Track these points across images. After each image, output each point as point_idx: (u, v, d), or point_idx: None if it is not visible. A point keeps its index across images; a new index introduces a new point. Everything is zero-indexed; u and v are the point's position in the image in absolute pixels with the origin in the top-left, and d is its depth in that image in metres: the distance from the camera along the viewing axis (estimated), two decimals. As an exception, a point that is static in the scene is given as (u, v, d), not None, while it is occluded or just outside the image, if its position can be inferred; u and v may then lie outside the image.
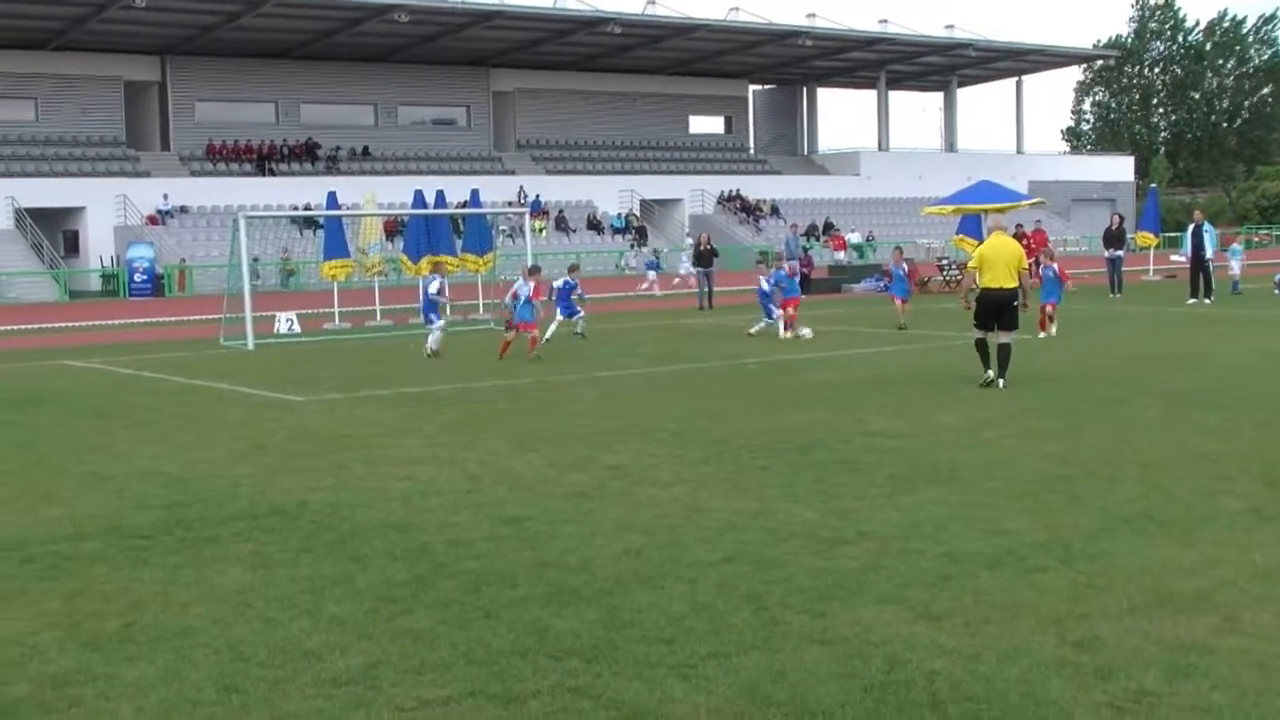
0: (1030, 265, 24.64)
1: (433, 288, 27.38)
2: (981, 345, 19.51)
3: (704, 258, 42.02)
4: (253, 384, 22.34)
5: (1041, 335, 26.61)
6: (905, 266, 31.55)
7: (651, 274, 53.39)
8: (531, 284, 25.31)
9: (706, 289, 41.32)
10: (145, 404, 20.29)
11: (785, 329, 28.49)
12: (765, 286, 29.81)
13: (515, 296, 25.43)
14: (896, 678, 6.92)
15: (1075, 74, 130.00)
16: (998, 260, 19.11)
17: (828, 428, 15.51)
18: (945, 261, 49.45)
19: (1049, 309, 27.50)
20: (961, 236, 48.03)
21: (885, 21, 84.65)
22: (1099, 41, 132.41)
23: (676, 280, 53.04)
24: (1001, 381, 18.79)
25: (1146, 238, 51.78)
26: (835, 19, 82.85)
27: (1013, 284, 19.14)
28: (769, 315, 29.34)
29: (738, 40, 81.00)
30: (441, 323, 26.94)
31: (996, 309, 19.18)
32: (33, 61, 68.98)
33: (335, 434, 16.22)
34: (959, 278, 46.58)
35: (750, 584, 8.75)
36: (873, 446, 14.04)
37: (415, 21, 69.17)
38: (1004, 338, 19.16)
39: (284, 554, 9.97)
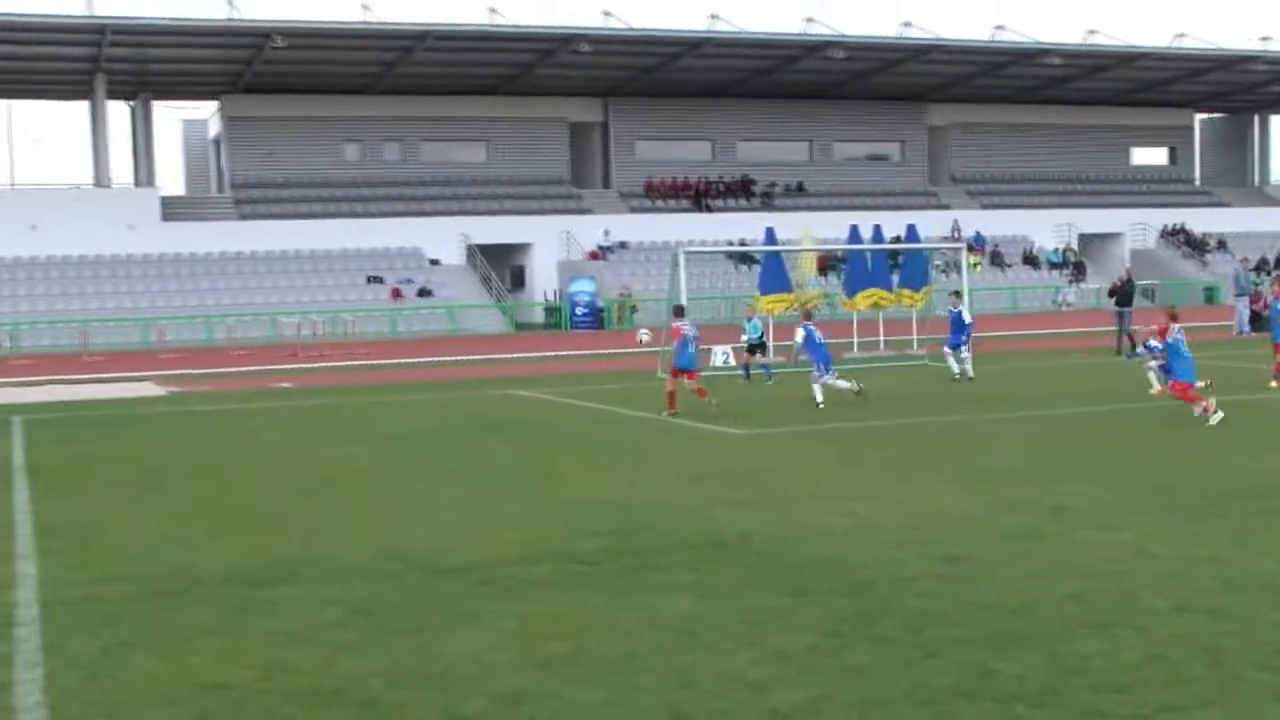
0: None
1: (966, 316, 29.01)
2: None
3: (1123, 295, 37.81)
4: (691, 417, 22.71)
5: None
6: None
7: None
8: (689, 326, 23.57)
9: (1123, 329, 36.49)
10: (589, 433, 20.94)
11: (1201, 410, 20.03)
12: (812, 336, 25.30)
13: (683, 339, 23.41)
14: (1372, 742, 6.50)
15: None
16: None
17: (1285, 473, 14.73)
18: None
19: None
20: None
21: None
22: None
23: None
24: None
25: None
26: (1292, 43, 78.56)
27: None
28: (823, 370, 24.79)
29: (1184, 68, 78.10)
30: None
31: None
32: (484, 106, 72.40)
33: (774, 467, 16.35)
34: None
35: (1206, 635, 8.37)
36: (1336, 494, 13.26)
37: (850, 58, 69.37)
38: None
39: (726, 585, 10.09)
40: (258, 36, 60.40)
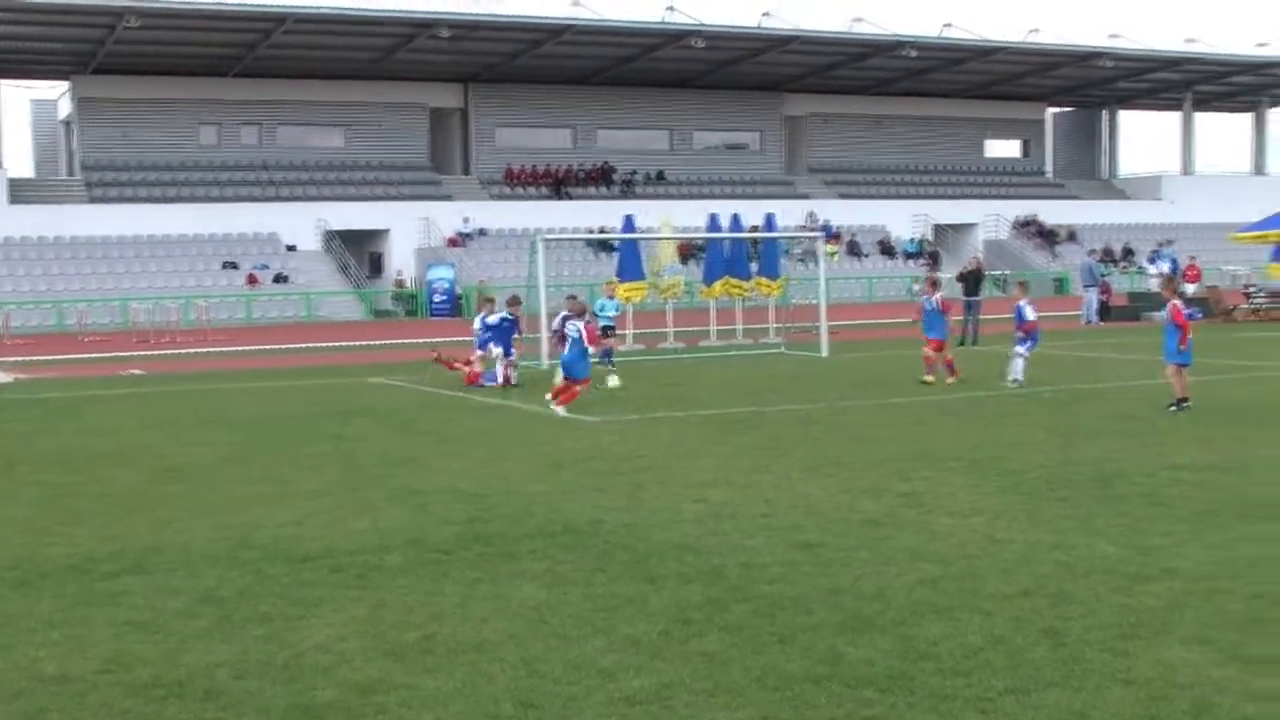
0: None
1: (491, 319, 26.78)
2: None
3: (971, 284, 37.76)
4: (549, 403, 22.69)
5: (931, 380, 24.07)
6: (938, 299, 25.33)
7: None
8: (581, 325, 21.93)
9: (971, 319, 36.37)
10: (446, 421, 20.83)
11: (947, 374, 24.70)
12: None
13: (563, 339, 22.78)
14: (1206, 722, 6.66)
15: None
16: None
17: (1129, 460, 15.04)
18: (1253, 289, 47.63)
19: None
20: (1274, 264, 46.26)
21: (1192, 40, 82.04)
22: None
23: None
24: None
25: None
26: (1139, 39, 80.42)
27: None
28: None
29: (1037, 62, 79.49)
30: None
31: None
32: (344, 90, 71.72)
33: (630, 454, 16.38)
34: (1267, 306, 44.88)
35: (1049, 619, 8.53)
36: (1178, 480, 13.57)
37: (711, 47, 69.70)
38: None
39: (578, 572, 10.10)
40: (110, 15, 59.24)
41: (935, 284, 25.93)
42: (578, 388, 21.32)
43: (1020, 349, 23.96)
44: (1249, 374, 25.66)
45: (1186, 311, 20.65)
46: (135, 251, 62.32)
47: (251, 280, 61.03)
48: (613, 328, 29.90)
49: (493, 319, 26.41)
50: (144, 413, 23.19)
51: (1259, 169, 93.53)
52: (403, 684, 7.55)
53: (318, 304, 60.19)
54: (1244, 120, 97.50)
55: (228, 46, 65.45)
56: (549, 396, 21.74)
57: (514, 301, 27.34)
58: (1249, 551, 10.29)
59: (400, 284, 65.70)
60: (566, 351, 21.73)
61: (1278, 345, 32.42)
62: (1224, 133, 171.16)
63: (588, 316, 23.38)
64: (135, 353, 40.31)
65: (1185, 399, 19.63)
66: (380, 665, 7.90)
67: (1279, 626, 8.25)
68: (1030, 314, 24.15)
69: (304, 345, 42.24)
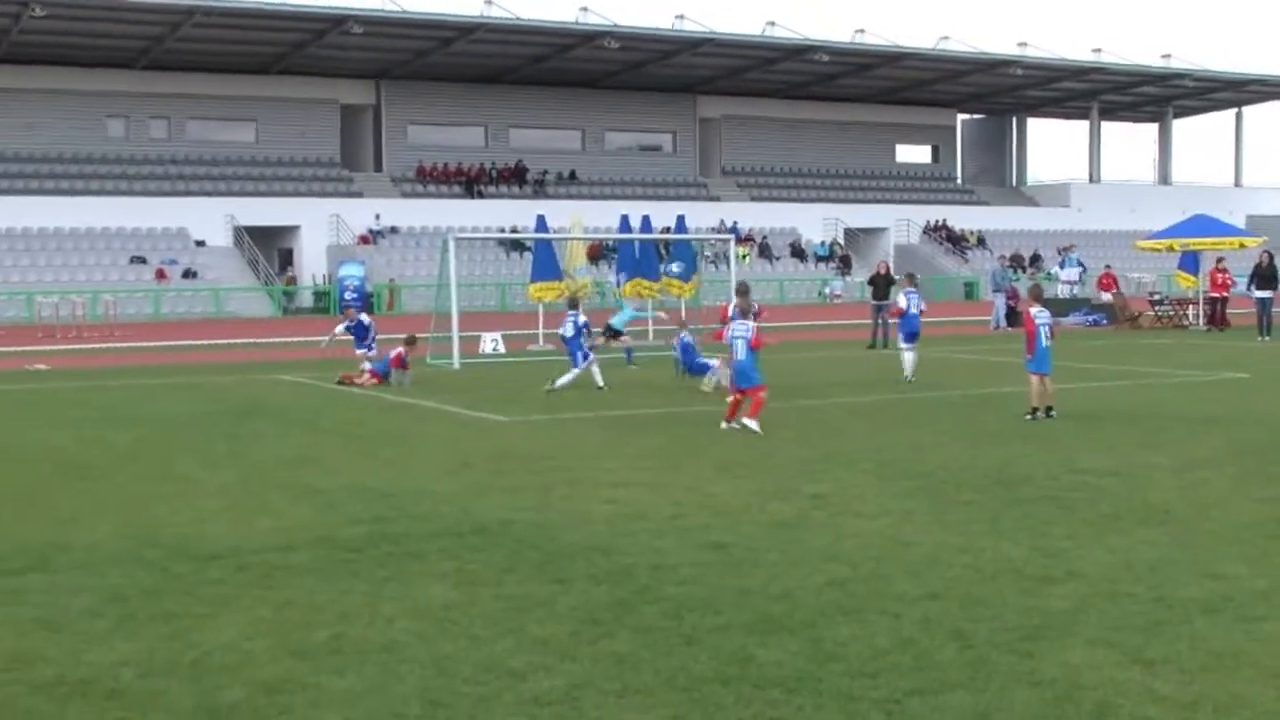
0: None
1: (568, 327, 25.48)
2: None
3: (880, 289, 37.87)
4: (458, 403, 22.64)
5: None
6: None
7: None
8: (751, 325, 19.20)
9: (881, 322, 36.43)
10: (354, 419, 20.71)
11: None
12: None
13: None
14: (1108, 723, 6.74)
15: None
16: None
17: (1034, 463, 15.19)
18: (1158, 296, 48.30)
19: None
20: (1180, 272, 46.82)
21: (1099, 51, 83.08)
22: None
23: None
24: None
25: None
26: (1047, 48, 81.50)
27: None
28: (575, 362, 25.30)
29: (947, 69, 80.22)
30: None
31: None
32: (254, 85, 71.11)
33: (539, 454, 16.35)
34: (1171, 313, 45.47)
35: (956, 620, 8.59)
36: (1081, 484, 13.72)
37: (624, 48, 69.79)
38: None
39: (488, 572, 10.06)
40: (16, 4, 58.37)
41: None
42: (760, 395, 18.71)
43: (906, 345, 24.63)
44: (1151, 380, 26.01)
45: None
46: (41, 244, 61.48)
47: (160, 275, 60.37)
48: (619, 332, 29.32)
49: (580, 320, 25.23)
50: (48, 409, 22.90)
51: (1164, 178, 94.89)
52: (310, 683, 7.49)
53: (226, 300, 59.63)
54: (1149, 130, 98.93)
55: (135, 39, 64.74)
56: (745, 420, 18.42)
57: (573, 304, 26.16)
58: (1150, 555, 10.42)
59: (291, 280, 65.37)
60: (737, 359, 18.95)
61: (1180, 353, 32.87)
62: (1130, 142, 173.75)
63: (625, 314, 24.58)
64: (40, 347, 39.76)
65: (1036, 408, 19.53)
66: (287, 665, 7.84)
67: (1179, 630, 8.36)
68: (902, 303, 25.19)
69: (212, 342, 41.85)
